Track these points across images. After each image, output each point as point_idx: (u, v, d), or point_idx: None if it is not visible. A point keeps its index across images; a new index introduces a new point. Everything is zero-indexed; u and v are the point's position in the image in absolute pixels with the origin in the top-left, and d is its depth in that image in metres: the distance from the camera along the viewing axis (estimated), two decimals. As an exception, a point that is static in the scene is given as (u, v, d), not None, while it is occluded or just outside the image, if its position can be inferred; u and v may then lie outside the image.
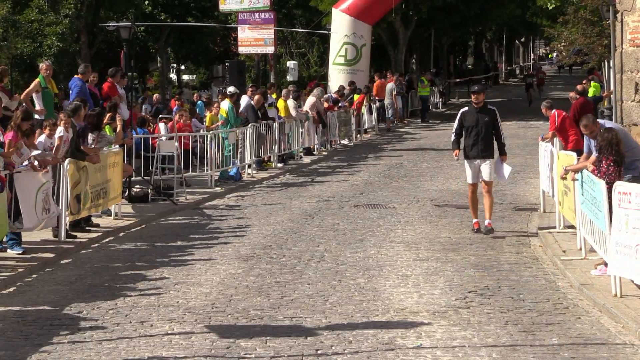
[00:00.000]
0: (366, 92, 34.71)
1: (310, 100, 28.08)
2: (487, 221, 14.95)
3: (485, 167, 15.11)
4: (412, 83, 42.68)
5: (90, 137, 16.00)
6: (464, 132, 15.21)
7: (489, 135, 15.14)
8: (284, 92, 26.91)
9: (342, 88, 33.71)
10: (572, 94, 20.99)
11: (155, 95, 34.68)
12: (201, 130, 22.24)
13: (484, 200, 15.20)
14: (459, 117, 15.31)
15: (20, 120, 13.43)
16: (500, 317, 10.02)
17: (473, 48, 78.17)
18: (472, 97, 15.42)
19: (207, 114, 23.74)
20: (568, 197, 13.86)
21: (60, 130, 14.35)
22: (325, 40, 45.01)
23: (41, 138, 14.28)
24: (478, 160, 15.10)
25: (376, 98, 36.87)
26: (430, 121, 40.66)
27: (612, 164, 11.36)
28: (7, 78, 17.37)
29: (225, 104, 22.57)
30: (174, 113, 24.38)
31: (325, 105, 29.31)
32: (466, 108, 15.46)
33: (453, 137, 15.36)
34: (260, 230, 15.60)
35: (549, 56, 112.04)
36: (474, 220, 15.20)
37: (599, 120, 12.78)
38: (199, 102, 28.84)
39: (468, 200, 15.56)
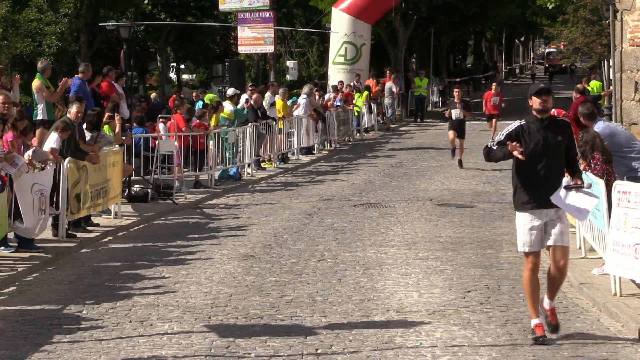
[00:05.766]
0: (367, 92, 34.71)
1: (303, 102, 28.00)
2: (547, 303, 9.21)
3: (559, 223, 8.98)
4: (410, 82, 42.60)
5: (87, 135, 15.97)
6: (521, 165, 8.87)
7: (562, 167, 9.02)
8: (280, 91, 26.91)
9: (334, 88, 33.48)
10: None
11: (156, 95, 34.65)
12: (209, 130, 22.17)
13: (550, 276, 9.18)
14: (510, 135, 8.92)
15: (16, 120, 13.42)
16: (500, 316, 10.02)
17: (473, 47, 78.17)
18: (538, 100, 8.87)
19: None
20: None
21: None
22: (325, 39, 45.04)
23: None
24: (545, 212, 8.92)
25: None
26: (429, 121, 40.46)
27: (599, 162, 11.40)
28: (4, 77, 17.40)
29: (228, 106, 22.60)
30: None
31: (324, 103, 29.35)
32: (523, 122, 9.00)
33: (495, 147, 9.00)
34: (259, 229, 15.60)
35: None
36: (534, 322, 9.10)
37: (600, 122, 12.77)
38: (198, 101, 28.82)
39: (524, 283, 9.24)
